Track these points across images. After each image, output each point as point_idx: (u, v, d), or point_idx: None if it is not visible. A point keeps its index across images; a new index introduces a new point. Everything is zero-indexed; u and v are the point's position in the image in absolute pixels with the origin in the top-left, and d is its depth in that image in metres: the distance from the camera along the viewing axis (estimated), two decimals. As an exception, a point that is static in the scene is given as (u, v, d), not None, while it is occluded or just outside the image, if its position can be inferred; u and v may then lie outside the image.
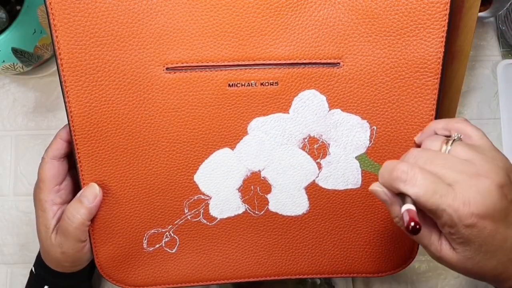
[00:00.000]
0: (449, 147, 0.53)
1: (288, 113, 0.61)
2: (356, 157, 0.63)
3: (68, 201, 0.64)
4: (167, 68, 0.59)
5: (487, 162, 0.50)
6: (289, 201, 0.64)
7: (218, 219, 0.65)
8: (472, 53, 0.80)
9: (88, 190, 0.62)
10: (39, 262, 0.67)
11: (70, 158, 0.65)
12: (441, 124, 0.58)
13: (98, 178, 0.62)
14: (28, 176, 0.80)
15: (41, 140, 0.80)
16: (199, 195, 0.64)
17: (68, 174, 0.65)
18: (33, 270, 0.69)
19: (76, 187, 0.66)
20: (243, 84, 0.60)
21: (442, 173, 0.49)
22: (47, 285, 0.67)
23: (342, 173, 0.64)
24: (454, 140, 0.54)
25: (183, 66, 0.59)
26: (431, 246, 0.53)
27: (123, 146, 0.61)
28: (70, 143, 0.62)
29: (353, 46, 0.59)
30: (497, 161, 0.51)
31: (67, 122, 0.61)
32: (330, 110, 0.61)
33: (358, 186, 0.65)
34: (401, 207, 0.49)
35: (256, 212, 0.65)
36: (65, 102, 0.59)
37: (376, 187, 0.53)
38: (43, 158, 0.63)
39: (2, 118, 0.80)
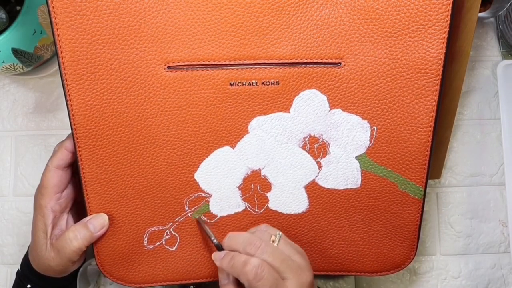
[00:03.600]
0: (275, 244, 0.60)
1: (289, 112, 0.61)
2: (356, 157, 0.63)
3: (67, 209, 0.65)
4: (168, 67, 0.59)
5: (302, 258, 0.60)
6: (289, 199, 0.64)
7: (218, 216, 0.65)
8: (472, 53, 0.80)
9: (97, 219, 0.64)
10: (26, 261, 0.68)
11: (73, 166, 0.65)
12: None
13: (99, 176, 0.62)
14: (28, 177, 0.80)
15: (41, 141, 0.80)
16: (199, 193, 0.64)
17: (70, 183, 0.66)
18: (19, 269, 0.69)
19: (76, 196, 0.67)
20: (244, 83, 0.60)
21: (282, 270, 0.57)
22: (30, 284, 0.67)
23: (342, 172, 0.64)
24: (280, 236, 0.61)
25: (184, 65, 0.59)
26: None
27: (124, 144, 0.61)
28: (74, 154, 0.63)
29: (355, 46, 0.59)
30: (305, 256, 0.61)
31: (68, 125, 0.61)
32: (330, 109, 0.61)
33: (358, 186, 0.65)
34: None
35: (256, 210, 0.65)
36: (66, 101, 0.59)
37: (222, 265, 0.59)
38: (47, 165, 0.64)
39: (2, 118, 0.80)
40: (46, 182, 0.63)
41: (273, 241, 0.60)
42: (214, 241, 0.61)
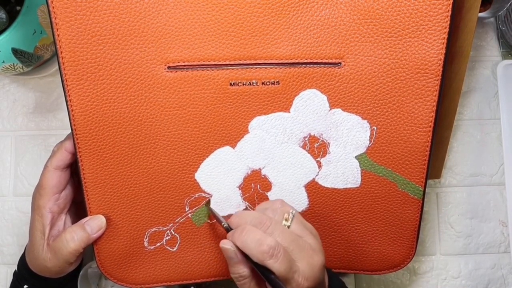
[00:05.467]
0: (289, 223, 0.58)
1: (289, 112, 0.61)
2: (356, 157, 0.64)
3: (65, 210, 0.65)
4: (168, 67, 0.59)
5: (314, 239, 0.58)
6: (289, 198, 0.64)
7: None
8: (472, 53, 0.80)
9: (94, 221, 0.63)
10: (23, 261, 0.67)
11: (72, 166, 0.65)
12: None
13: (99, 176, 0.62)
14: (28, 177, 0.80)
15: (41, 141, 0.80)
16: (200, 193, 0.64)
17: (68, 183, 0.65)
18: (16, 269, 0.69)
19: (74, 196, 0.66)
20: (244, 83, 0.60)
21: (291, 249, 0.55)
22: (27, 284, 0.67)
23: (342, 172, 0.64)
24: (294, 215, 0.59)
25: (184, 65, 0.59)
26: None
27: (125, 144, 0.61)
28: (74, 155, 0.63)
29: (355, 46, 0.59)
30: (318, 238, 0.59)
31: (68, 125, 0.61)
32: (330, 109, 0.61)
33: (358, 185, 0.65)
34: (245, 267, 0.56)
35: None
36: (66, 101, 0.59)
37: (227, 245, 0.56)
38: (46, 166, 0.64)
39: (2, 118, 0.80)
40: (44, 182, 0.63)
41: (286, 219, 0.58)
42: (224, 225, 0.60)
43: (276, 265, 0.53)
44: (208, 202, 0.64)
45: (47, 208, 0.63)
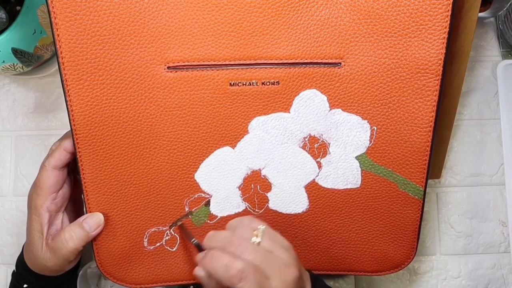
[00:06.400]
0: (258, 239, 0.57)
1: (289, 112, 0.61)
2: (356, 157, 0.63)
3: (62, 208, 0.65)
4: (168, 67, 0.59)
5: (286, 253, 0.57)
6: (289, 199, 0.64)
7: (219, 217, 0.65)
8: (472, 53, 0.80)
9: (92, 219, 0.63)
10: (21, 260, 0.67)
11: (69, 165, 0.65)
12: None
13: (99, 176, 0.62)
14: (28, 177, 0.80)
15: (41, 141, 0.80)
16: (199, 193, 0.64)
17: (65, 182, 0.65)
18: (14, 269, 0.69)
19: (72, 194, 0.67)
20: (244, 83, 0.60)
21: (262, 267, 0.54)
22: (26, 283, 0.67)
23: (342, 172, 0.64)
24: (263, 231, 0.57)
25: (184, 65, 0.59)
26: None
27: (124, 144, 0.61)
28: (73, 154, 0.63)
29: (355, 46, 0.59)
30: (291, 250, 0.58)
31: (68, 125, 0.61)
32: (330, 109, 0.61)
33: (358, 185, 0.65)
34: None
35: (256, 210, 0.65)
36: (66, 101, 0.59)
37: (201, 273, 0.56)
38: (44, 165, 0.63)
39: (2, 118, 0.80)
40: (42, 182, 0.63)
41: (256, 236, 0.57)
42: (194, 241, 0.60)
43: (245, 286, 0.53)
44: (208, 203, 0.64)
45: (45, 208, 0.63)
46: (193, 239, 0.61)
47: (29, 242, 0.65)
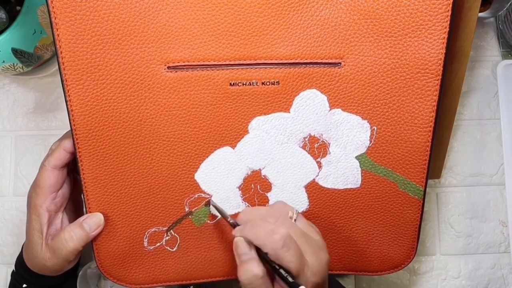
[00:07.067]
0: (294, 216, 0.58)
1: (289, 112, 0.61)
2: (356, 157, 0.63)
3: (62, 208, 0.65)
4: (168, 67, 0.59)
5: (319, 236, 0.58)
6: (289, 199, 0.64)
7: (219, 217, 0.65)
8: (472, 53, 0.80)
9: (92, 219, 0.63)
10: (20, 260, 0.67)
11: (69, 164, 0.65)
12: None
13: (99, 177, 0.62)
14: (28, 177, 0.80)
15: (41, 141, 0.80)
16: (199, 194, 0.64)
17: (65, 182, 0.65)
18: (14, 269, 0.69)
19: (72, 194, 0.66)
20: (244, 83, 0.60)
21: (300, 243, 0.54)
22: (25, 283, 0.67)
23: (342, 172, 0.64)
24: (297, 213, 0.59)
25: (184, 65, 0.59)
26: None
27: (124, 144, 0.61)
28: (72, 154, 0.62)
29: (355, 46, 0.59)
30: (321, 236, 0.59)
31: (68, 125, 0.60)
32: (330, 109, 0.61)
33: (358, 185, 0.65)
34: (259, 265, 0.53)
35: (257, 210, 0.65)
36: (66, 101, 0.59)
37: (240, 238, 0.55)
38: (44, 165, 0.63)
39: (2, 118, 0.80)
40: (42, 182, 0.63)
41: (291, 217, 0.58)
42: (230, 220, 0.60)
43: (287, 254, 0.52)
44: (208, 202, 0.64)
45: (44, 207, 0.63)
46: (229, 219, 0.60)
47: (28, 242, 0.65)
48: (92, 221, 0.63)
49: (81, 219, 0.63)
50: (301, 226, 0.58)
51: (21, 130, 0.80)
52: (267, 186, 0.64)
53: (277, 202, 0.61)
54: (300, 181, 0.64)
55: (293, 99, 0.61)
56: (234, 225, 0.58)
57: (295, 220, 0.58)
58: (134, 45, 0.58)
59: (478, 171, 0.80)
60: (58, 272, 0.66)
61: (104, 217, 0.64)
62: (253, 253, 0.54)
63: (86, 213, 0.64)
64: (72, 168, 0.66)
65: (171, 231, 0.65)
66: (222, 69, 0.59)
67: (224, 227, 0.65)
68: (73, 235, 0.62)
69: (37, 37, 0.70)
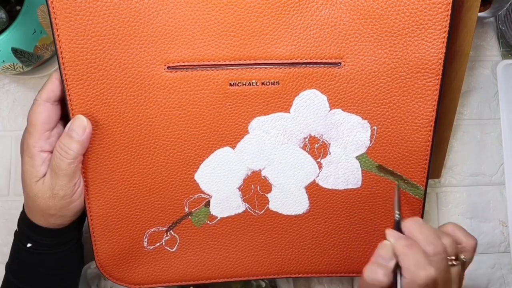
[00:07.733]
0: (455, 263, 0.55)
1: (289, 112, 0.61)
2: (356, 157, 0.63)
3: None
4: (168, 67, 0.59)
5: None
6: (289, 200, 0.64)
7: (219, 218, 0.65)
8: (472, 53, 0.80)
9: (76, 123, 0.59)
10: (23, 218, 0.64)
11: (62, 104, 0.61)
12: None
13: (98, 176, 0.62)
14: (28, 176, 0.80)
15: (41, 140, 0.80)
16: (199, 194, 0.64)
17: (59, 122, 0.62)
18: (17, 228, 0.66)
19: None
20: (244, 83, 0.60)
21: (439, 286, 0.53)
22: (30, 242, 0.63)
23: (342, 172, 0.64)
24: (461, 263, 0.56)
25: (184, 65, 0.59)
26: None
27: (124, 144, 0.61)
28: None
29: (355, 46, 0.59)
30: None
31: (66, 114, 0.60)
32: (331, 110, 0.61)
33: (358, 186, 0.65)
34: (387, 275, 0.53)
35: (257, 211, 0.65)
36: (66, 101, 0.59)
37: (391, 241, 0.54)
38: (35, 100, 0.60)
39: (2, 118, 0.80)
40: (34, 118, 0.59)
41: (450, 261, 0.54)
42: (397, 216, 0.58)
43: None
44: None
45: (38, 147, 0.59)
46: (397, 212, 0.58)
47: (24, 188, 0.61)
48: (77, 126, 0.59)
49: (65, 129, 0.59)
50: (453, 274, 0.55)
51: (21, 130, 0.79)
52: (267, 187, 0.64)
53: (450, 230, 0.57)
54: (301, 182, 0.64)
55: (293, 99, 0.61)
56: (397, 223, 0.57)
57: (453, 265, 0.55)
58: (134, 45, 0.58)
59: (478, 171, 0.80)
60: (62, 217, 0.62)
61: (104, 217, 0.63)
62: (391, 263, 0.53)
63: (87, 209, 0.63)
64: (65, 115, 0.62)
65: (171, 231, 0.65)
66: (222, 69, 0.59)
67: (223, 228, 0.66)
68: (65, 147, 0.58)
69: (37, 37, 0.70)
